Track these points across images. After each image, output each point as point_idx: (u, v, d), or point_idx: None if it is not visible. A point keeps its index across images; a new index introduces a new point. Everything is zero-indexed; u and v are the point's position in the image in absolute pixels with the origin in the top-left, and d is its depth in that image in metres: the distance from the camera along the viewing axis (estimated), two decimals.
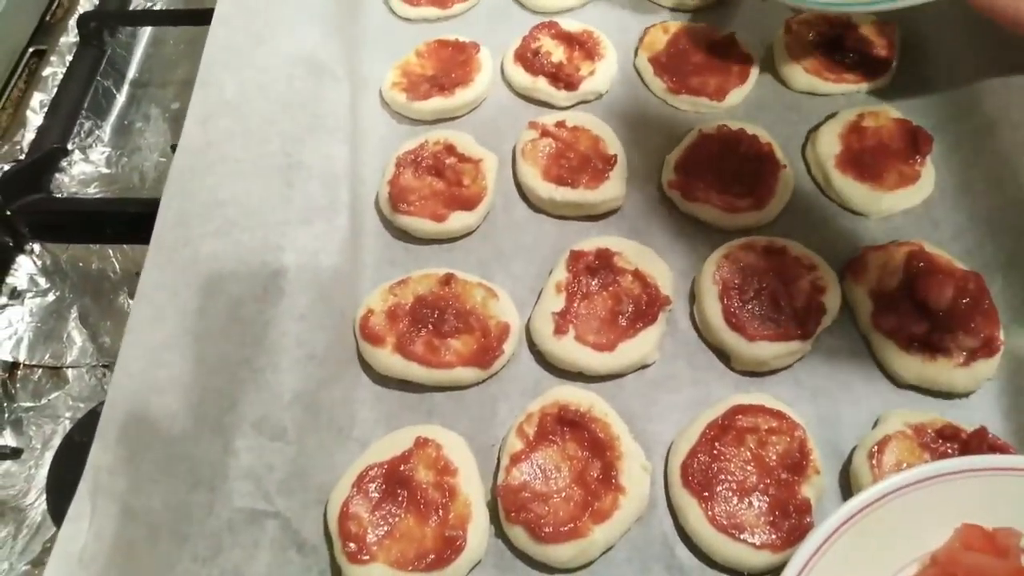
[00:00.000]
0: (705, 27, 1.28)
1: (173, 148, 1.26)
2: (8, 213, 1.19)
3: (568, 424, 0.90)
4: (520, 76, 1.24)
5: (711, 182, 1.08)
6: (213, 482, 0.85)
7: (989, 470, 0.76)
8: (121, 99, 1.45)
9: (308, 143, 1.09)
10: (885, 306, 0.96)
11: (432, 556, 0.82)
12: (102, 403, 0.90)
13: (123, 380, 0.91)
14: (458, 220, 1.08)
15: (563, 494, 0.86)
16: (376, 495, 0.86)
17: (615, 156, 1.11)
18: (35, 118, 1.36)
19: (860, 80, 1.20)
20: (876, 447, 0.85)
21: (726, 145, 1.12)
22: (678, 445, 0.89)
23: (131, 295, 1.15)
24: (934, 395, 0.93)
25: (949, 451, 0.86)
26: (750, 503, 0.85)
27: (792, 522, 0.82)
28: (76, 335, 1.14)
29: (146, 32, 1.54)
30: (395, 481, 0.87)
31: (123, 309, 1.15)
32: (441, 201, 1.10)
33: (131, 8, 1.56)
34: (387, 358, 0.96)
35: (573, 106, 1.23)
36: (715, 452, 0.87)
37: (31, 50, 1.46)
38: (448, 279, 1.01)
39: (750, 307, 0.97)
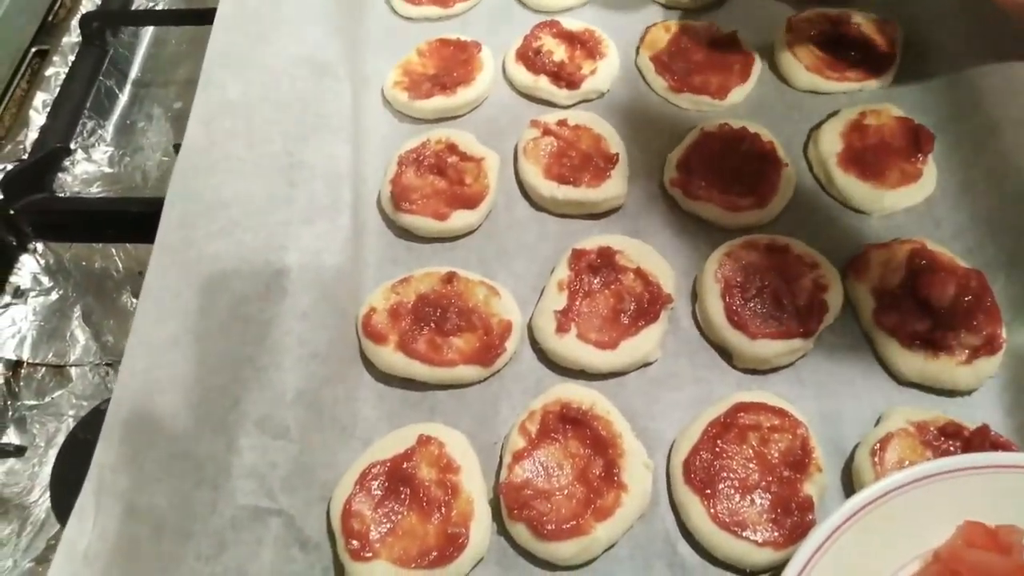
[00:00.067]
0: (707, 25, 1.28)
1: (175, 147, 1.27)
2: (11, 212, 1.19)
3: (570, 422, 0.90)
4: (522, 75, 1.24)
5: (713, 180, 1.08)
6: (216, 480, 0.85)
7: (991, 468, 0.77)
8: (123, 99, 1.45)
9: (311, 143, 1.09)
10: (887, 304, 0.96)
11: (435, 553, 0.82)
12: (105, 401, 0.91)
13: (127, 379, 0.91)
14: (460, 219, 1.08)
15: (565, 492, 0.86)
16: (379, 493, 0.86)
17: (617, 155, 1.12)
18: (38, 118, 1.36)
19: (862, 78, 1.20)
20: (878, 444, 0.86)
21: (728, 143, 1.12)
22: (680, 443, 0.89)
23: (134, 294, 1.16)
24: (936, 393, 0.93)
25: (951, 449, 0.86)
26: (752, 501, 0.85)
27: (794, 520, 0.82)
28: (79, 334, 1.14)
29: (148, 32, 1.55)
30: (398, 479, 0.87)
31: (126, 308, 1.16)
32: (443, 200, 1.10)
33: (133, 8, 1.57)
34: (389, 356, 0.96)
35: (575, 105, 1.23)
36: (717, 450, 0.87)
37: (34, 50, 1.46)
38: (450, 277, 1.01)
39: (752, 305, 0.97)
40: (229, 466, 0.86)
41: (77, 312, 1.16)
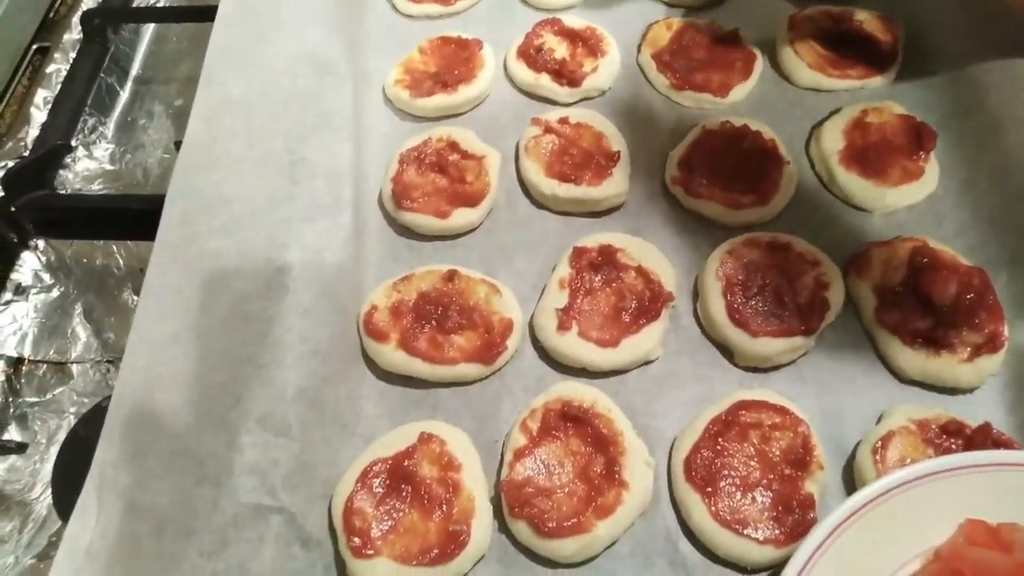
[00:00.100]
0: (708, 23, 1.28)
1: (176, 145, 1.26)
2: (12, 209, 1.19)
3: (571, 420, 0.90)
4: (523, 73, 1.24)
5: (714, 178, 1.08)
6: (218, 477, 0.85)
7: (993, 465, 0.77)
8: (124, 96, 1.45)
9: (312, 140, 1.09)
10: (889, 302, 0.96)
11: (436, 551, 0.82)
12: (107, 398, 0.91)
13: (129, 376, 0.91)
14: (461, 217, 1.08)
15: (566, 489, 0.86)
16: (380, 490, 0.86)
17: (618, 152, 1.11)
18: (39, 115, 1.37)
19: (864, 76, 1.20)
20: (880, 442, 0.85)
21: (729, 141, 1.12)
22: (681, 441, 0.89)
23: (135, 291, 1.16)
24: (938, 391, 0.93)
25: (953, 447, 0.86)
26: (753, 498, 0.85)
27: (795, 517, 0.82)
28: (80, 331, 1.14)
29: (149, 29, 1.55)
30: (399, 476, 0.87)
31: (127, 305, 1.16)
32: (444, 198, 1.10)
33: (134, 5, 1.57)
34: (391, 354, 0.96)
35: (576, 103, 1.23)
36: (718, 448, 0.87)
37: (35, 47, 1.46)
38: (451, 275, 1.01)
39: (753, 303, 0.97)
40: (230, 463, 0.86)
41: (78, 309, 1.16)
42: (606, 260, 1.01)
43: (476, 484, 0.87)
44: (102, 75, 1.43)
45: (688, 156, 1.11)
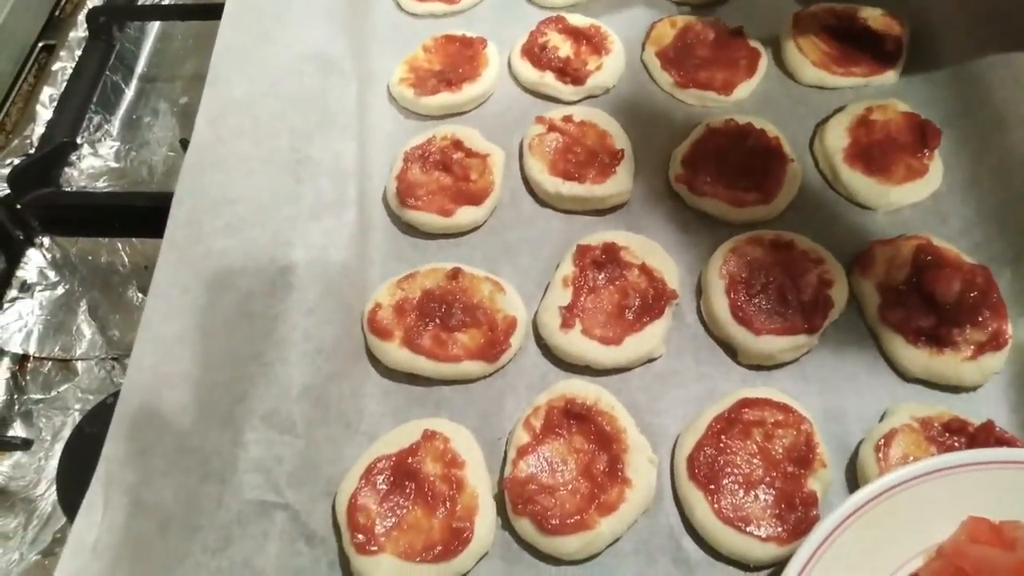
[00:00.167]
0: (712, 21, 1.28)
1: (182, 142, 1.27)
2: (18, 207, 1.20)
3: (575, 417, 0.90)
4: (527, 71, 1.24)
5: (718, 176, 1.08)
6: (223, 474, 0.86)
7: (996, 463, 0.77)
8: (130, 94, 1.45)
9: (317, 139, 1.10)
10: (893, 300, 0.96)
11: (439, 548, 0.82)
12: (111, 395, 0.91)
13: (135, 374, 0.92)
14: (465, 215, 1.08)
15: (569, 487, 0.87)
16: (384, 487, 0.87)
17: (622, 151, 1.11)
18: (44, 112, 1.37)
19: (868, 73, 1.20)
20: (883, 440, 0.86)
21: (733, 139, 1.12)
22: (684, 438, 0.89)
23: (140, 288, 1.16)
24: (941, 389, 0.93)
25: (956, 445, 0.86)
26: (756, 496, 0.85)
27: (798, 515, 0.82)
28: (85, 328, 1.14)
29: (154, 27, 1.55)
30: (403, 473, 0.87)
31: (132, 302, 1.16)
32: (448, 196, 1.10)
33: (140, 3, 1.57)
34: (395, 352, 0.96)
35: (580, 101, 1.23)
36: (721, 445, 0.87)
37: (40, 45, 1.46)
38: (455, 273, 1.01)
39: (757, 301, 0.97)
40: (235, 460, 0.86)
41: (83, 306, 1.16)
42: (610, 258, 1.01)
43: (480, 481, 0.87)
44: (107, 73, 1.43)
45: (692, 154, 1.11)
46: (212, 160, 1.06)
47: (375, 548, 0.82)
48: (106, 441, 0.88)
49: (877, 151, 1.09)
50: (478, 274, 1.02)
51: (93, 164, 1.32)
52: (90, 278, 1.19)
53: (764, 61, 1.23)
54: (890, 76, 1.20)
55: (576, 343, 0.95)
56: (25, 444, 1.04)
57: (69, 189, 1.28)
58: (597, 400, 0.91)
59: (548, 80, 1.22)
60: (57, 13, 1.51)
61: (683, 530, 0.86)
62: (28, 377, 1.10)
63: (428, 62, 1.27)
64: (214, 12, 1.25)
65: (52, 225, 1.23)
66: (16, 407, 1.08)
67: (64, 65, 1.43)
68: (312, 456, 0.89)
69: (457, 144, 1.15)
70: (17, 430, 1.06)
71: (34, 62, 1.44)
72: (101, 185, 1.30)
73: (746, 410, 0.89)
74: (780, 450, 0.87)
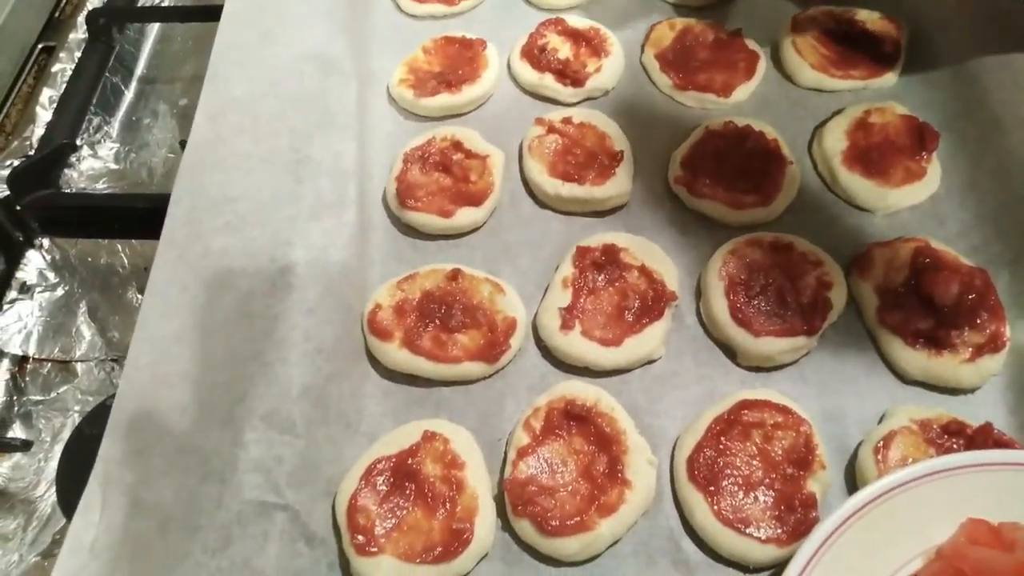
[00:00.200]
0: (711, 24, 1.28)
1: (181, 144, 1.26)
2: (18, 208, 1.20)
3: (574, 418, 0.90)
4: (527, 73, 1.24)
5: (717, 178, 1.08)
6: (223, 474, 0.86)
7: (994, 465, 0.77)
8: (129, 95, 1.45)
9: (317, 139, 1.10)
10: (891, 302, 0.96)
11: (439, 549, 0.82)
12: (111, 396, 0.91)
13: (133, 374, 0.92)
14: (465, 216, 1.08)
15: (569, 488, 0.87)
16: (384, 488, 0.87)
17: (621, 152, 1.12)
18: (44, 114, 1.37)
19: (867, 76, 1.20)
20: (882, 442, 0.86)
21: (732, 141, 1.12)
22: (684, 440, 0.90)
23: (140, 290, 1.16)
24: (940, 391, 0.93)
25: (954, 446, 0.86)
26: (756, 498, 0.85)
27: (797, 517, 0.83)
28: (85, 329, 1.14)
29: (154, 29, 1.55)
30: (403, 474, 0.87)
31: (132, 303, 1.16)
32: (448, 197, 1.10)
33: (139, 5, 1.57)
34: (395, 353, 0.96)
35: (579, 103, 1.23)
36: (721, 447, 0.87)
37: (40, 46, 1.46)
38: (455, 274, 1.01)
39: (756, 303, 0.97)
40: (235, 460, 0.86)
41: (83, 308, 1.16)
42: (609, 259, 1.02)
43: (479, 482, 0.87)
44: (107, 75, 1.43)
45: (691, 156, 1.11)
46: (211, 159, 1.06)
47: (375, 549, 0.82)
48: (104, 440, 0.88)
49: (876, 154, 1.09)
50: (478, 275, 1.02)
51: (93, 166, 1.32)
52: (90, 279, 1.19)
53: (763, 63, 1.23)
54: (888, 79, 1.20)
55: (576, 344, 0.95)
56: (25, 445, 1.04)
57: (69, 191, 1.28)
58: (597, 401, 0.91)
59: (548, 82, 1.22)
60: (57, 14, 1.51)
61: (683, 532, 0.86)
62: (28, 378, 1.10)
63: (428, 63, 1.27)
64: (214, 14, 1.26)
65: (52, 226, 1.22)
66: (16, 408, 1.08)
67: (64, 66, 1.43)
68: (312, 456, 0.89)
69: (457, 145, 1.15)
70: (17, 431, 1.06)
71: (34, 63, 1.44)
72: (101, 187, 1.30)
73: (745, 412, 0.89)
74: (779, 452, 0.87)
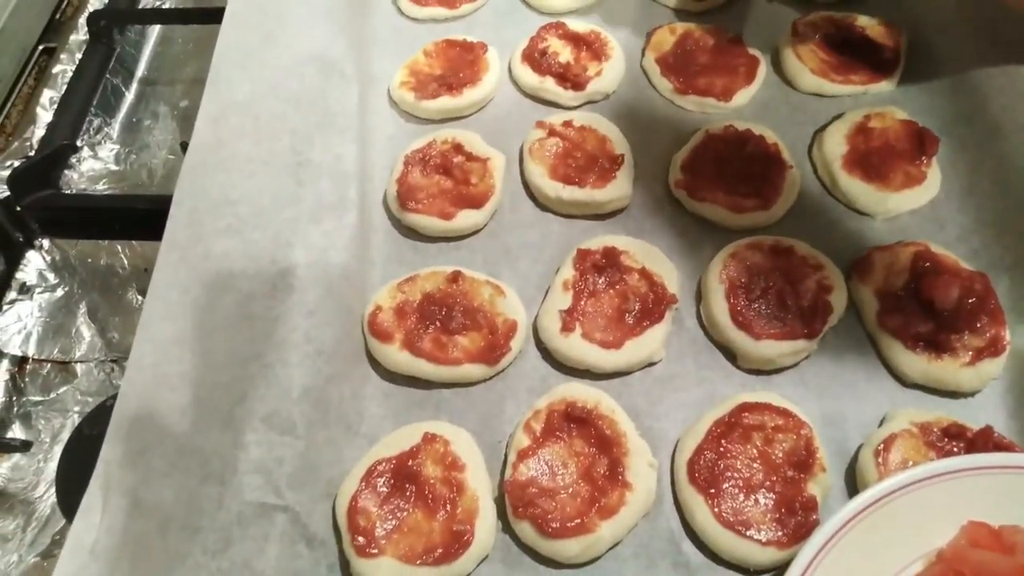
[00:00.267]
0: (712, 28, 1.29)
1: (182, 145, 1.27)
2: (18, 209, 1.20)
3: (575, 421, 0.90)
4: (528, 76, 1.24)
5: (717, 182, 1.09)
6: (223, 476, 0.86)
7: (994, 468, 0.77)
8: (130, 97, 1.46)
9: (317, 141, 1.10)
10: (891, 306, 0.97)
11: (440, 550, 0.82)
12: (111, 397, 0.91)
13: (134, 375, 0.91)
14: (466, 218, 1.08)
15: (570, 490, 0.87)
16: (384, 490, 0.87)
17: (622, 156, 1.12)
18: (45, 115, 1.37)
19: (867, 81, 1.20)
20: (882, 445, 0.86)
21: (733, 145, 1.12)
22: (684, 442, 0.90)
23: (140, 291, 1.16)
24: (940, 394, 0.93)
25: (955, 450, 0.86)
26: (756, 500, 0.85)
27: (798, 519, 0.83)
28: (85, 330, 1.14)
29: (155, 30, 1.55)
30: (403, 476, 0.87)
31: (132, 304, 1.16)
32: (449, 199, 1.10)
33: (140, 6, 1.57)
34: (395, 355, 0.96)
35: (580, 106, 1.23)
36: (721, 449, 0.88)
37: (41, 48, 1.46)
38: (456, 277, 1.01)
39: (756, 306, 0.98)
40: (235, 462, 0.86)
41: (83, 308, 1.16)
42: (610, 262, 1.02)
43: (480, 484, 0.87)
44: (108, 76, 1.43)
45: (691, 160, 1.12)
46: (213, 161, 1.06)
47: (375, 551, 0.82)
48: (105, 442, 0.88)
49: (875, 158, 1.09)
50: (478, 277, 1.02)
51: (93, 167, 1.32)
52: (89, 280, 1.19)
53: (763, 68, 1.24)
54: (888, 84, 1.20)
55: (576, 347, 0.96)
56: (24, 446, 1.04)
57: (69, 191, 1.28)
58: (597, 404, 0.91)
59: (548, 85, 1.22)
60: (58, 16, 1.51)
61: (683, 534, 0.86)
62: (27, 379, 1.10)
63: (429, 66, 1.28)
64: (214, 16, 1.26)
65: (52, 227, 1.22)
66: (15, 409, 1.08)
67: (64, 68, 1.43)
68: (312, 458, 0.89)
69: (457, 148, 1.15)
70: (16, 432, 1.06)
71: (35, 65, 1.44)
72: (101, 188, 1.30)
73: (746, 414, 0.89)
74: (780, 454, 0.87)
